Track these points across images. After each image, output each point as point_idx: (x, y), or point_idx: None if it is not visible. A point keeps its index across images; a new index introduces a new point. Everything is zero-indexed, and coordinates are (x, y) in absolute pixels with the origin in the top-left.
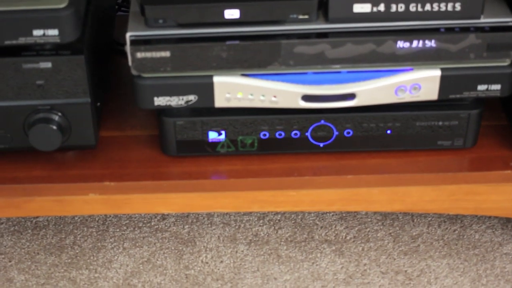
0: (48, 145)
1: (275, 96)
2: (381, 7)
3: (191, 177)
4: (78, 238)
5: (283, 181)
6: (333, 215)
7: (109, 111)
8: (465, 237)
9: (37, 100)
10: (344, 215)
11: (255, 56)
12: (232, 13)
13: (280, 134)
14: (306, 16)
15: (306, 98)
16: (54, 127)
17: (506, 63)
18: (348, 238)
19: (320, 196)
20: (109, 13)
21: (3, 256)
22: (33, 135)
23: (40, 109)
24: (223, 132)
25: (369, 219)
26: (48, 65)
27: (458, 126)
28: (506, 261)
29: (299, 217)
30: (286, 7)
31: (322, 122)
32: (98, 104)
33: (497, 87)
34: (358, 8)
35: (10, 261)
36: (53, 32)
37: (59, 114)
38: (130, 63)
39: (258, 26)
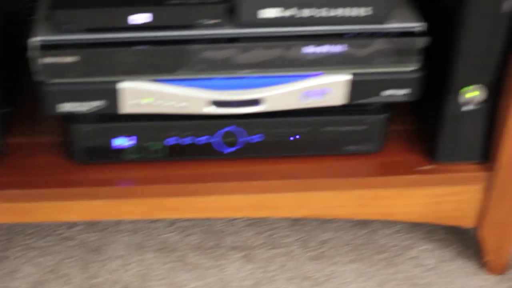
0: None
1: (183, 102)
2: (290, 12)
3: (98, 184)
4: None
5: (191, 187)
6: (242, 221)
7: (18, 117)
8: (372, 241)
9: None
10: (253, 221)
11: (163, 61)
12: (140, 18)
13: (188, 140)
14: (215, 21)
15: (214, 103)
16: None
17: (413, 68)
18: (256, 244)
19: (228, 203)
20: (17, 17)
21: None
22: None
23: None
24: (130, 138)
25: (278, 225)
26: None
27: (366, 131)
28: (411, 266)
29: (208, 223)
30: (194, 12)
31: (230, 127)
32: (5, 110)
33: (404, 91)
34: (266, 13)
35: None
36: None
37: None
38: (35, 68)
39: (166, 31)
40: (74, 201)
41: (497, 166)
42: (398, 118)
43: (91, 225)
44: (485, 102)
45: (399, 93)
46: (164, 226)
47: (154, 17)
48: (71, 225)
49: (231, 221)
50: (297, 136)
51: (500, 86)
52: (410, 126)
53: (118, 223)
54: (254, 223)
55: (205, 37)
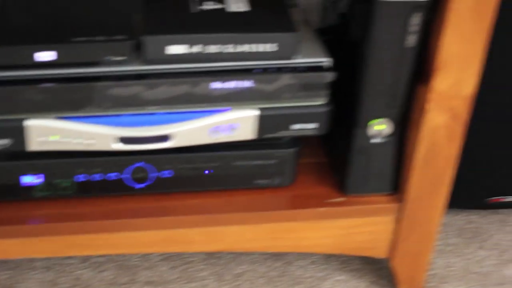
0: None
1: (90, 139)
2: (196, 49)
3: (7, 222)
4: None
5: (102, 224)
6: (157, 255)
7: None
8: (288, 273)
9: None
10: (168, 255)
11: (69, 98)
12: (46, 56)
13: (97, 177)
14: (122, 58)
15: (122, 140)
16: None
17: (321, 102)
18: (171, 278)
19: (139, 238)
20: None
21: None
22: None
23: None
24: (38, 176)
25: (193, 259)
26: None
27: (276, 165)
28: None
29: (123, 258)
30: (100, 49)
31: (139, 163)
32: None
33: (313, 126)
34: (173, 49)
35: None
36: None
37: None
38: None
39: (73, 68)
40: None
41: (406, 197)
42: (309, 151)
43: (3, 263)
44: (392, 134)
45: (307, 127)
46: (78, 262)
47: (60, 54)
48: None
49: (146, 255)
50: (208, 171)
51: (406, 119)
52: (321, 159)
53: (31, 260)
54: (169, 257)
55: (112, 74)
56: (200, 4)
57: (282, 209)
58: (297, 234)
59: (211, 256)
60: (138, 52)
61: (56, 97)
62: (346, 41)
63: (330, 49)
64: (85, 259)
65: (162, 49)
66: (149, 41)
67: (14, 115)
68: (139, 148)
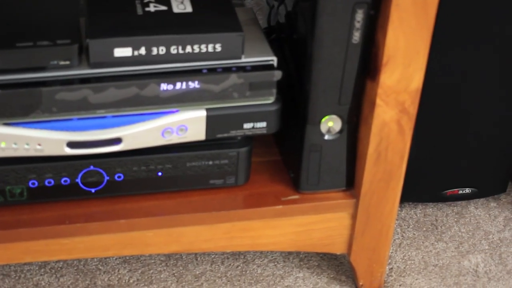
0: None
1: (39, 144)
2: (142, 51)
3: None
4: None
5: (56, 229)
6: (116, 259)
7: None
8: (247, 272)
9: None
10: (127, 258)
11: (16, 104)
12: None
13: (49, 182)
14: (67, 62)
15: (72, 144)
16: None
17: (270, 101)
18: (131, 281)
19: (94, 242)
20: None
21: None
22: None
23: None
24: None
25: (152, 261)
26: None
27: (229, 165)
28: None
29: (82, 263)
30: (45, 53)
31: (91, 167)
32: None
33: (263, 124)
34: (119, 52)
35: None
36: None
37: None
38: None
39: (18, 73)
40: None
41: (360, 192)
42: (262, 150)
43: None
44: (344, 130)
45: (257, 126)
46: (36, 268)
47: (5, 60)
48: None
49: (104, 259)
50: (160, 173)
51: (357, 115)
52: (274, 157)
53: None
54: (128, 260)
55: (58, 78)
56: (146, 6)
57: (238, 208)
58: (254, 233)
59: (170, 258)
60: (84, 56)
61: (3, 103)
62: (292, 39)
63: (278, 47)
64: (43, 265)
65: (108, 52)
66: (94, 44)
67: None
68: (89, 152)
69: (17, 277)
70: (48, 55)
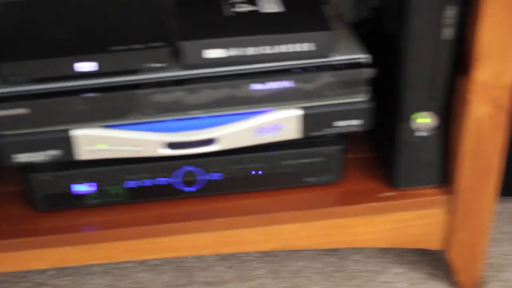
0: None
1: (137, 146)
2: (235, 52)
3: (62, 231)
4: None
5: (155, 228)
6: (213, 256)
7: None
8: (344, 268)
9: None
10: (224, 255)
11: (113, 107)
12: (86, 66)
13: (147, 182)
14: (161, 64)
15: (168, 145)
16: None
17: (362, 98)
18: (229, 278)
19: (193, 241)
20: None
21: None
22: None
23: None
24: (89, 184)
25: (249, 257)
26: None
27: (323, 162)
28: None
29: (179, 260)
30: (139, 57)
31: (188, 167)
32: None
33: (357, 122)
34: (212, 53)
35: None
36: None
37: None
38: None
39: (113, 77)
40: (41, 249)
41: (457, 188)
42: (355, 147)
43: (63, 269)
44: (437, 127)
45: (351, 123)
46: (135, 265)
47: (100, 64)
48: (43, 270)
49: (201, 256)
50: (256, 172)
51: (450, 111)
52: (368, 154)
53: (89, 265)
54: (225, 257)
55: (152, 80)
56: (233, 7)
57: (334, 205)
58: (350, 230)
59: (267, 254)
60: (176, 58)
61: (99, 106)
62: (380, 34)
63: (365, 43)
64: (143, 262)
65: (200, 54)
66: (187, 46)
67: (60, 126)
68: (185, 153)
69: (117, 275)
70: (142, 58)
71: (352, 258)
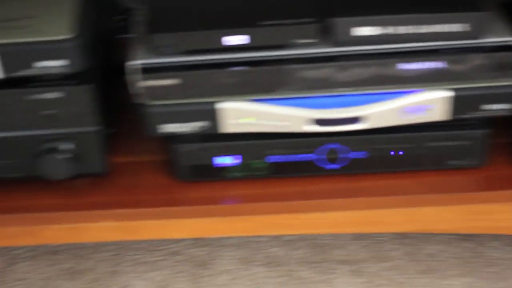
0: (58, 175)
1: (283, 121)
2: (388, 30)
3: (203, 202)
4: (93, 263)
5: (295, 204)
6: (347, 234)
7: (119, 136)
8: (483, 254)
9: (46, 129)
10: (359, 234)
11: (261, 81)
12: (236, 39)
13: (290, 158)
14: (310, 41)
15: (315, 122)
16: (63, 157)
17: None
18: (363, 258)
19: (334, 219)
20: (110, 36)
21: (19, 282)
22: (43, 165)
23: (50, 138)
24: (233, 156)
25: (384, 238)
26: (58, 95)
27: (468, 146)
28: None
29: (313, 237)
30: (289, 32)
31: (333, 145)
32: (108, 130)
33: (506, 106)
34: (364, 31)
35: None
36: (62, 63)
37: (70, 143)
38: (135, 91)
39: (263, 51)
40: (180, 219)
41: None
42: (501, 131)
43: (198, 239)
44: None
45: (500, 107)
46: (269, 240)
47: (250, 38)
48: (178, 239)
49: (336, 234)
50: (400, 152)
51: None
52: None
53: (223, 237)
54: (359, 236)
55: (301, 56)
56: None
57: (478, 190)
58: (491, 216)
59: (400, 236)
60: (326, 34)
61: (247, 80)
62: None
63: None
64: (276, 237)
65: (351, 31)
66: (338, 23)
67: (208, 98)
68: (332, 130)
69: (251, 248)
70: (292, 33)
71: (489, 244)
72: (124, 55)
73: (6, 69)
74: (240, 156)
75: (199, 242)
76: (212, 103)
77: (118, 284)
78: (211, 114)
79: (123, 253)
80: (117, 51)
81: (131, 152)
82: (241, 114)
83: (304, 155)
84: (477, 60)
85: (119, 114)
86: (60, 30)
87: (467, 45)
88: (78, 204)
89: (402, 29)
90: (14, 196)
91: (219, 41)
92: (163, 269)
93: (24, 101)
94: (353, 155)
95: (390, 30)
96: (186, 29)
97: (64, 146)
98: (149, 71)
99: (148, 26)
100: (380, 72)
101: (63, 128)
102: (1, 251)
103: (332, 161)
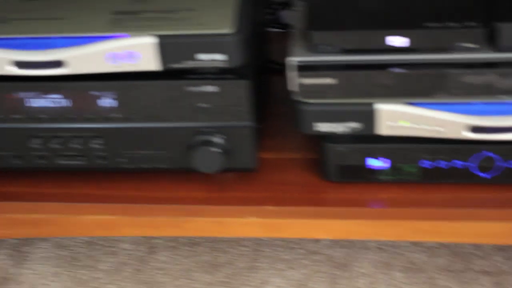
0: (210, 167)
1: (440, 126)
2: None
3: (350, 204)
4: (231, 257)
5: (445, 211)
6: (491, 245)
7: (266, 131)
8: None
9: (200, 122)
10: (503, 246)
11: (419, 84)
12: (398, 41)
13: (442, 164)
14: (474, 45)
15: (472, 129)
16: (217, 150)
17: None
18: (507, 269)
19: (484, 229)
20: (263, 31)
21: (159, 271)
22: (197, 157)
23: (204, 131)
24: (384, 159)
25: None
26: (214, 89)
27: None
28: None
29: (457, 245)
30: (453, 35)
31: (487, 153)
32: (259, 126)
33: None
34: None
35: (166, 277)
36: (221, 57)
37: (222, 137)
38: (292, 88)
39: (423, 54)
40: (327, 220)
41: None
42: None
43: (337, 240)
44: None
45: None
46: (409, 245)
47: (412, 40)
48: (317, 239)
49: (478, 244)
50: None
51: None
52: None
53: (363, 240)
54: (504, 248)
55: (463, 61)
56: None
57: None
58: None
59: None
60: (491, 39)
61: (406, 82)
62: None
63: None
64: (417, 242)
65: None
66: (505, 28)
67: (367, 99)
68: (489, 138)
69: (391, 252)
70: (456, 37)
71: None
72: (272, 50)
73: (165, 60)
74: (391, 160)
75: (338, 243)
76: (368, 104)
77: (257, 279)
78: (366, 115)
79: (260, 249)
80: (267, 45)
81: (277, 148)
82: (397, 117)
83: (457, 162)
84: None
85: (266, 110)
86: (221, 24)
87: None
88: (223, 198)
89: None
90: (160, 187)
91: (379, 42)
92: (301, 268)
93: (182, 93)
94: (508, 164)
95: None
96: (346, 28)
97: (216, 139)
98: (306, 68)
99: (307, 22)
100: None
101: (216, 122)
102: (141, 239)
103: (485, 169)
